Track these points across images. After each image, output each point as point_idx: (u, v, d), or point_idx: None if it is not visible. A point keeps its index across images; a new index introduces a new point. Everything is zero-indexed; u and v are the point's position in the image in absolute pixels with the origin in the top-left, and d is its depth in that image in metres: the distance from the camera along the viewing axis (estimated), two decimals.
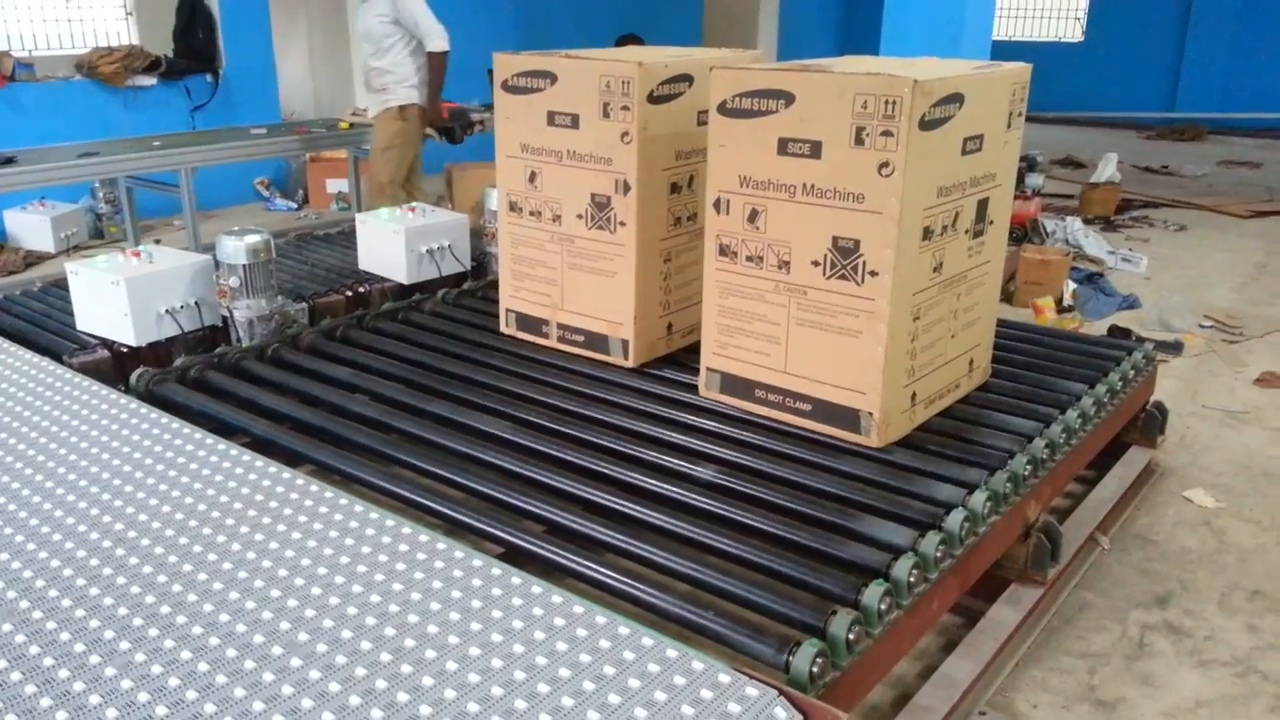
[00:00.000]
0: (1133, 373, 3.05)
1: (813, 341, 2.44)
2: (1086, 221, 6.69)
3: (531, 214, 3.02)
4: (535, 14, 9.37)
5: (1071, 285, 5.17)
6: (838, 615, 1.76)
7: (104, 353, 2.96)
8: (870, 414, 2.39)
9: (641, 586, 1.92)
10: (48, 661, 1.58)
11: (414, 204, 4.04)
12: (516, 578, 1.84)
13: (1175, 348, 4.48)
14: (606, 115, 2.75)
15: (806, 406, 2.50)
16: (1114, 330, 4.59)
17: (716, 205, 2.52)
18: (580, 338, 3.04)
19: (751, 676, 1.57)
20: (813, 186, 2.34)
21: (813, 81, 2.29)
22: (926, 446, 2.48)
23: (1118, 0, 12.86)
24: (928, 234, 2.34)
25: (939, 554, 1.99)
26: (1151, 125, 12.05)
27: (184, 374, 2.85)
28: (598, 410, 2.67)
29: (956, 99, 2.27)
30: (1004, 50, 6.48)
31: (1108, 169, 7.73)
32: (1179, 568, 2.77)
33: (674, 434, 2.52)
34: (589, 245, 2.93)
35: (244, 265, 3.05)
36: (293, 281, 3.71)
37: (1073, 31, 13.88)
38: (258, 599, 1.75)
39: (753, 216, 2.46)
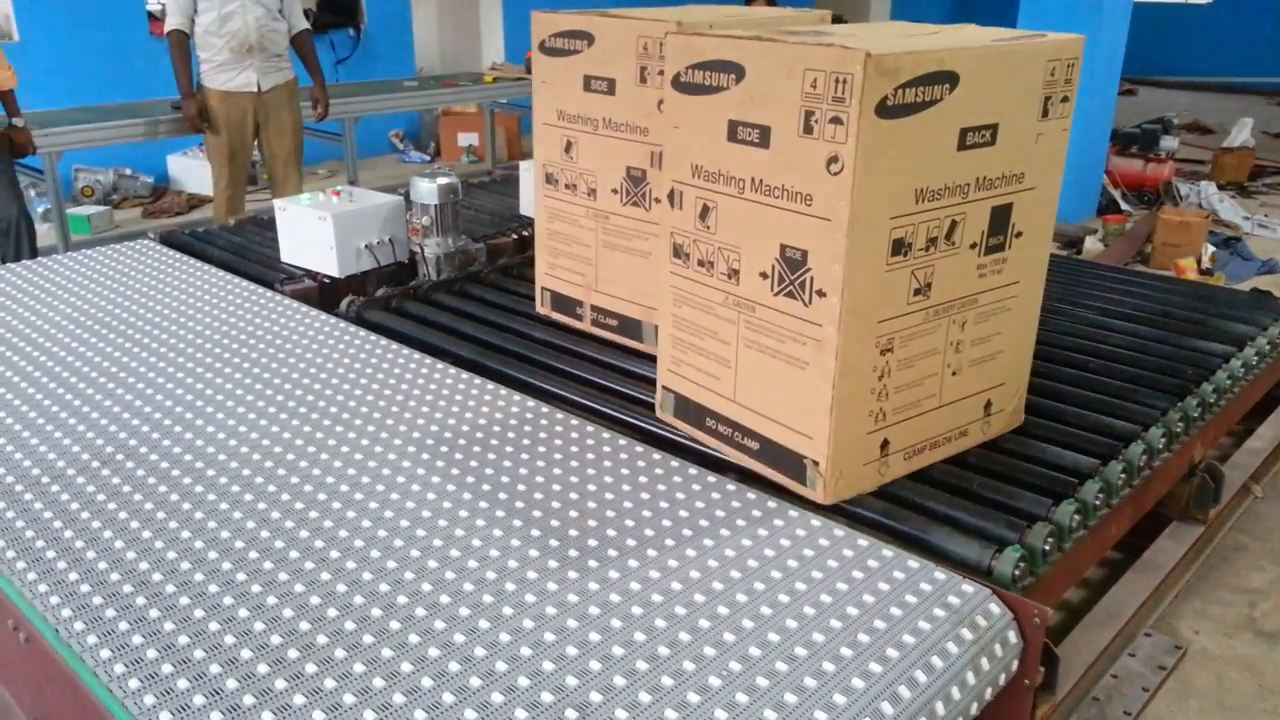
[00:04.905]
0: None
1: (761, 368, 2.05)
2: (1220, 187, 6.58)
3: (567, 187, 2.82)
4: None
5: (1210, 248, 5.14)
6: (1035, 527, 1.91)
7: (310, 282, 3.24)
8: (815, 463, 1.97)
9: (844, 503, 2.09)
10: (224, 534, 1.84)
11: None
12: (731, 485, 2.03)
13: None
14: (644, 80, 2.52)
15: (754, 445, 2.11)
16: (1255, 293, 4.57)
17: (671, 198, 2.17)
18: (614, 322, 2.85)
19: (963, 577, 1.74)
20: (761, 182, 1.94)
21: (761, 52, 1.89)
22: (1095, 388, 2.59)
23: None
24: (901, 248, 1.88)
25: (1120, 480, 2.12)
26: None
27: (387, 302, 3.11)
28: None
29: (945, 78, 1.80)
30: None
31: (1242, 134, 7.57)
32: None
33: None
34: (624, 222, 2.72)
35: (435, 205, 3.29)
36: (462, 224, 3.94)
37: None
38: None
39: (704, 213, 2.09)
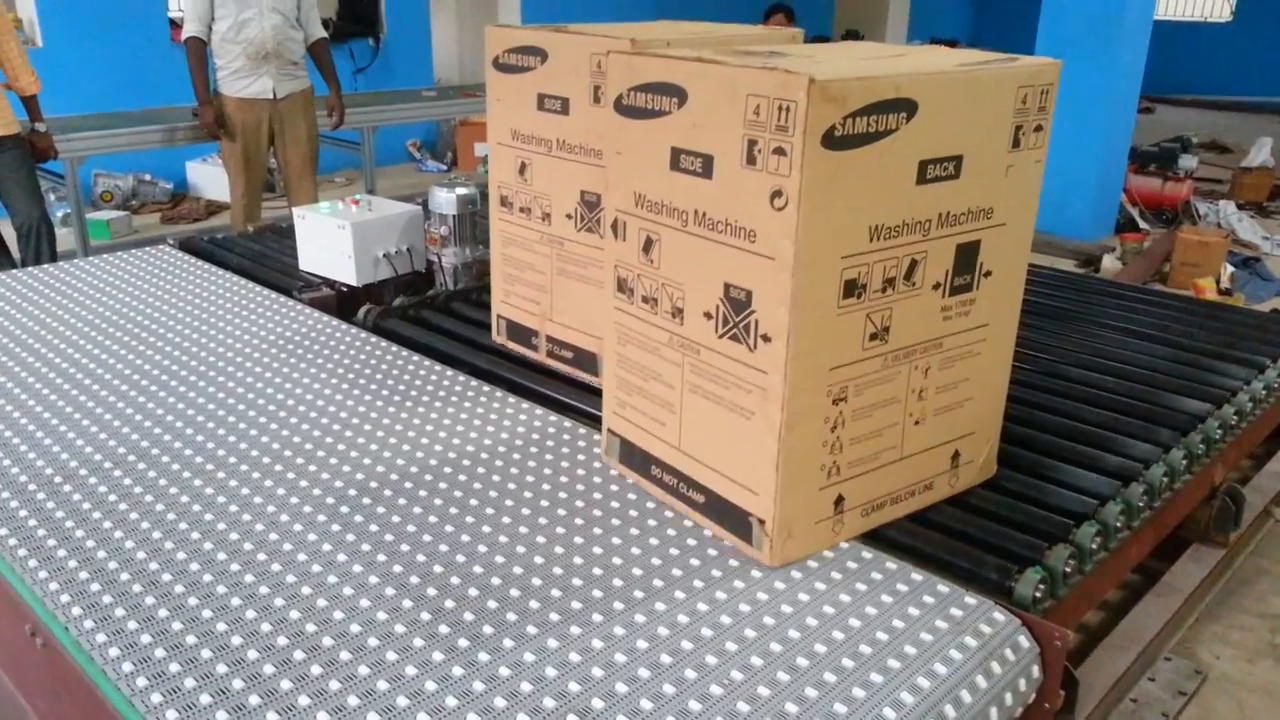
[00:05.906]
0: None
1: (706, 416, 1.89)
2: (1239, 207, 6.55)
3: (521, 210, 2.67)
4: None
5: (1229, 268, 5.11)
6: (1055, 549, 1.88)
7: (329, 291, 3.25)
8: (762, 521, 1.81)
9: None
10: (233, 536, 1.85)
11: None
12: None
13: None
14: (598, 101, 2.35)
15: (700, 498, 1.95)
16: (1275, 314, 4.53)
17: (614, 228, 2.02)
18: (569, 354, 2.69)
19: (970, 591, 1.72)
20: (704, 215, 1.78)
21: (703, 75, 1.75)
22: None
23: None
24: (854, 289, 1.72)
25: (1141, 503, 2.10)
26: None
27: (404, 311, 3.11)
28: None
29: (901, 106, 1.66)
30: None
31: (1261, 153, 7.53)
32: None
33: None
34: (578, 249, 2.56)
35: (454, 215, 3.29)
36: (480, 234, 3.95)
37: (1220, 11, 13.38)
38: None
39: (648, 246, 1.94)
